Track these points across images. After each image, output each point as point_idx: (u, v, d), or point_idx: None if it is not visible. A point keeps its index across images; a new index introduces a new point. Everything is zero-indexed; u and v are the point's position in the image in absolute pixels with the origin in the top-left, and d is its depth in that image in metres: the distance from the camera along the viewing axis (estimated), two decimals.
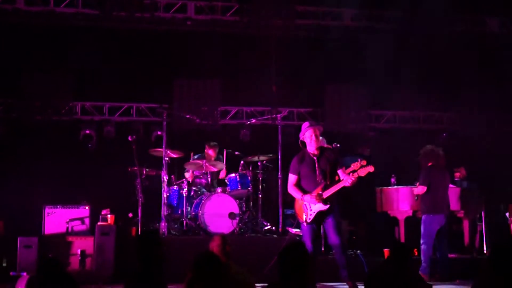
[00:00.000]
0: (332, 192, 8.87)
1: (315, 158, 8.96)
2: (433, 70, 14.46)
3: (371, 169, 8.95)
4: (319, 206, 8.83)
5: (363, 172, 8.84)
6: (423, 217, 10.74)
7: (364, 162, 9.72)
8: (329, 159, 9.00)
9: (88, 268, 10.62)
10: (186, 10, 14.07)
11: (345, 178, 8.80)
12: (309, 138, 8.97)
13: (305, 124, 9.13)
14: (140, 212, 11.31)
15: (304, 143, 9.09)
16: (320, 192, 8.81)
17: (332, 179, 8.95)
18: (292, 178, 9.07)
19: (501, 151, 14.40)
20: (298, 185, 9.01)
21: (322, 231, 9.67)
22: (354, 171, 8.77)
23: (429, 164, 10.84)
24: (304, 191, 8.91)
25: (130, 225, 11.66)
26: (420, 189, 10.83)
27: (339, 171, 8.99)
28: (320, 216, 8.88)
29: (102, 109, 14.17)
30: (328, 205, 8.83)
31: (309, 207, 8.84)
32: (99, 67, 13.36)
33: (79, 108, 14.04)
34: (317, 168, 8.92)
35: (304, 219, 8.87)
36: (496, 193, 13.50)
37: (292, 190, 9.05)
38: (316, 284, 8.89)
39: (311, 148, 8.98)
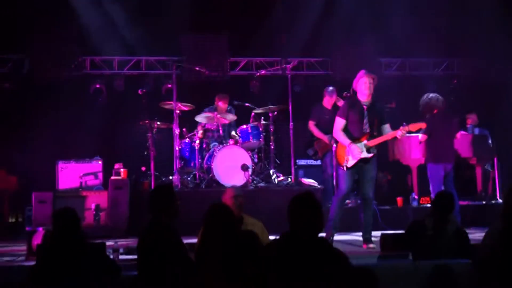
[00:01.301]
0: (378, 142, 8.94)
1: (365, 106, 8.97)
2: (442, 16, 14.28)
3: (422, 125, 9.06)
4: (363, 154, 8.86)
5: (414, 127, 8.91)
6: (428, 165, 10.76)
7: (393, 104, 9.72)
8: (378, 110, 9.02)
9: (102, 222, 10.70)
10: None
11: (398, 131, 8.84)
12: (363, 85, 8.93)
13: (361, 73, 9.06)
14: (153, 165, 11.37)
15: (355, 92, 9.11)
16: (366, 141, 8.86)
17: (378, 130, 8.97)
18: (340, 122, 9.01)
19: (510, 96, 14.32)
20: (345, 130, 8.99)
21: None
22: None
23: (434, 112, 10.80)
24: (350, 137, 8.90)
25: (144, 178, 11.76)
26: (422, 137, 10.84)
27: (386, 126, 9.03)
28: (360, 165, 8.93)
29: (111, 63, 14.11)
30: (372, 154, 8.89)
31: (353, 152, 8.84)
32: (106, 23, 13.31)
33: (89, 62, 13.98)
34: (365, 116, 8.94)
35: (345, 164, 8.90)
36: (508, 139, 13.44)
37: (339, 134, 8.99)
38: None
39: (363, 96, 8.95)
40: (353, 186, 9.20)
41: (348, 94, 10.66)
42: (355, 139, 8.86)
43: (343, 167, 8.91)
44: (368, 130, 8.92)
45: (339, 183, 9.07)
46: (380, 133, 8.98)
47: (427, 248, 6.56)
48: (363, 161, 8.89)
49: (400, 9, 13.85)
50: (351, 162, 8.88)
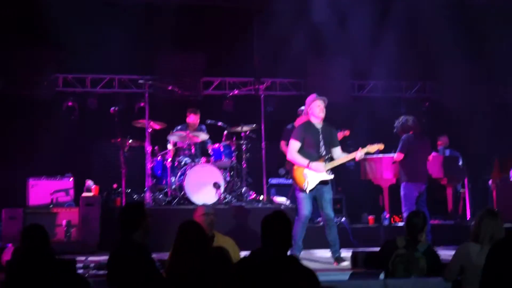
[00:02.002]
0: (336, 164, 9.04)
1: (319, 129, 9.04)
2: (415, 39, 14.42)
3: (381, 146, 9.19)
4: (323, 175, 8.91)
5: (372, 149, 9.01)
6: (402, 184, 10.82)
7: (347, 132, 9.93)
8: (331, 133, 9.12)
9: (73, 239, 10.63)
10: None
11: (357, 153, 8.94)
12: (317, 108, 9.03)
13: (312, 96, 9.22)
14: (124, 183, 11.34)
15: (306, 114, 9.26)
16: (324, 164, 8.89)
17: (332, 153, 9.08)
18: (295, 144, 9.05)
19: (483, 119, 14.46)
20: (301, 153, 9.02)
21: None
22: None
23: (410, 133, 10.91)
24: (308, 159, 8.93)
25: (115, 195, 11.70)
26: (397, 156, 10.91)
27: (337, 148, 9.12)
28: (319, 187, 8.95)
29: (84, 81, 14.08)
30: (332, 176, 8.95)
31: (312, 175, 8.87)
32: (81, 40, 13.26)
33: (61, 80, 13.94)
34: (321, 139, 9.01)
35: (305, 187, 8.92)
36: (479, 161, 13.58)
37: (295, 156, 9.02)
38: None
39: (317, 119, 9.06)
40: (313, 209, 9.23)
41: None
42: (313, 161, 8.93)
43: (303, 190, 8.94)
44: (324, 153, 9.01)
45: (299, 207, 9.05)
46: (332, 156, 9.08)
47: (399, 267, 6.63)
48: (321, 183, 8.94)
49: (374, 31, 13.99)
50: (311, 184, 8.92)
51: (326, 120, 9.42)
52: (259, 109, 12.12)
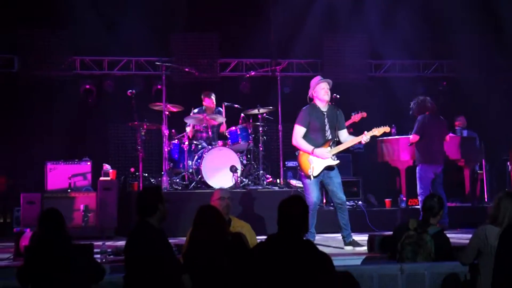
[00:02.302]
0: (342, 148, 8.95)
1: (325, 112, 8.97)
2: (432, 17, 14.33)
3: (387, 129, 9.08)
4: (329, 161, 8.83)
5: (379, 132, 8.95)
6: (418, 166, 10.83)
7: (364, 114, 9.87)
8: (337, 116, 9.02)
9: (91, 223, 10.70)
10: None
11: (362, 136, 8.87)
12: (321, 91, 8.90)
13: (316, 78, 9.08)
14: (142, 167, 11.37)
15: (311, 98, 9.08)
16: (329, 148, 8.86)
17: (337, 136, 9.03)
18: (300, 130, 8.91)
19: (501, 99, 14.39)
20: (306, 138, 8.91)
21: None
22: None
23: (426, 113, 10.88)
24: (314, 145, 8.83)
25: (132, 180, 11.76)
26: (413, 138, 10.90)
27: (343, 131, 9.07)
28: (325, 172, 8.93)
29: (101, 63, 14.13)
30: (338, 161, 8.89)
31: (317, 161, 8.83)
32: (98, 22, 13.30)
33: (78, 63, 13.99)
34: (327, 123, 8.92)
35: (310, 173, 8.83)
36: (497, 142, 13.52)
37: (300, 142, 8.88)
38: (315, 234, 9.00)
39: (322, 102, 8.93)
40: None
41: (337, 96, 10.63)
42: (318, 146, 8.83)
43: (308, 176, 8.88)
44: (330, 137, 8.91)
45: (306, 194, 8.86)
46: (338, 139, 9.01)
47: (407, 248, 6.67)
48: (328, 168, 8.88)
49: (390, 10, 13.93)
50: (317, 170, 8.81)
51: (339, 100, 9.36)
52: (276, 91, 12.10)
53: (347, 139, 9.02)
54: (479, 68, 14.71)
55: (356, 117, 9.79)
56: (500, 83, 14.79)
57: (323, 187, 9.46)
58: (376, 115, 11.70)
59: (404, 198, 11.96)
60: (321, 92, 8.90)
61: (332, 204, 9.52)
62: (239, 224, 7.50)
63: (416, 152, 10.98)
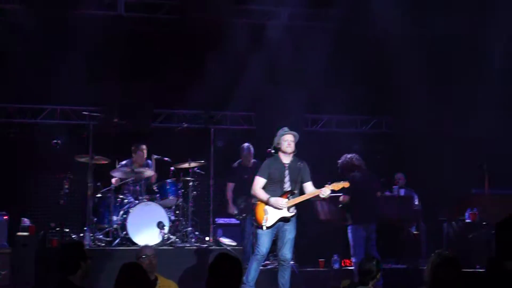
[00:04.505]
0: (300, 201, 9.20)
1: (286, 164, 9.23)
2: (371, 72, 14.70)
3: (346, 184, 9.34)
4: (284, 212, 9.07)
5: (337, 187, 9.20)
6: (349, 227, 10.97)
7: (346, 184, 10.10)
8: (300, 168, 9.27)
9: (5, 283, 10.51)
10: (117, 8, 14.07)
11: (322, 189, 9.10)
12: (284, 143, 9.26)
13: (281, 130, 9.43)
14: (63, 221, 11.31)
15: (276, 149, 9.38)
16: (287, 200, 9.06)
17: (299, 189, 9.26)
18: (260, 180, 9.29)
19: (441, 157, 14.73)
20: (265, 189, 9.23)
21: None
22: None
23: (353, 172, 11.08)
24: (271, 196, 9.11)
25: (53, 235, 11.60)
26: (342, 198, 11.08)
27: (308, 184, 9.28)
28: (280, 224, 9.11)
29: (25, 112, 14.09)
30: (292, 213, 9.10)
31: (272, 211, 9.04)
32: (22, 67, 13.30)
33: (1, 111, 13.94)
34: (287, 175, 9.21)
35: (264, 223, 9.06)
36: (434, 201, 13.83)
37: (258, 191, 9.24)
38: None
39: (285, 154, 9.26)
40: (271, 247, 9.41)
41: (272, 151, 10.82)
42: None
43: (262, 226, 9.10)
44: (289, 189, 9.19)
45: (258, 243, 9.20)
46: (302, 192, 9.27)
47: None
48: (282, 220, 9.11)
49: (330, 65, 14.25)
50: (271, 221, 9.07)
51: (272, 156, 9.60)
52: (209, 144, 12.21)
53: (310, 192, 9.26)
54: (420, 125, 15.09)
55: (337, 186, 9.74)
56: (440, 140, 15.18)
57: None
58: (312, 172, 11.91)
59: (338, 259, 12.11)
60: (284, 144, 9.26)
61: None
62: (166, 283, 7.59)
63: (347, 212, 11.13)
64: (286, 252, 9.16)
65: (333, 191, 9.48)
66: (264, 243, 9.11)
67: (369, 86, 14.69)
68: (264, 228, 9.06)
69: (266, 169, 9.31)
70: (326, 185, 9.22)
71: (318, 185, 9.35)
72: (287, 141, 9.26)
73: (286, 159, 9.29)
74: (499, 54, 14.08)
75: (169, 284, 7.59)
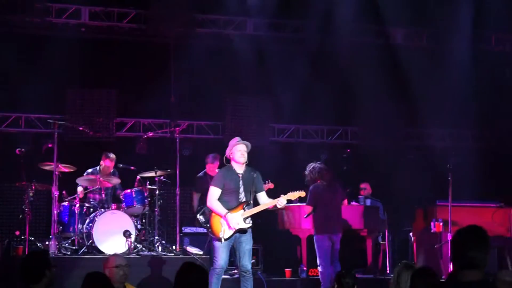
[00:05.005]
0: (256, 211, 9.18)
1: (240, 175, 9.22)
2: (337, 83, 14.76)
3: (302, 194, 9.37)
4: (241, 224, 9.06)
5: (293, 196, 9.20)
6: (315, 237, 10.98)
7: (271, 185, 10.13)
8: (253, 178, 9.27)
9: None
10: (80, 16, 14.05)
11: (278, 199, 9.11)
12: (237, 153, 9.21)
13: (234, 140, 9.39)
14: (28, 230, 11.20)
15: (228, 160, 9.34)
16: (243, 211, 9.07)
17: (254, 199, 9.24)
18: (215, 191, 9.20)
19: (406, 167, 14.86)
20: (220, 199, 9.17)
21: None
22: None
23: (317, 181, 11.12)
24: (227, 207, 9.08)
25: (17, 243, 11.53)
26: (306, 209, 11.10)
27: (261, 194, 9.30)
28: (237, 236, 9.11)
29: None
30: (249, 224, 9.11)
31: (229, 223, 9.02)
32: None
33: None
34: (241, 185, 9.18)
35: (221, 236, 9.04)
36: (400, 211, 13.92)
37: (214, 204, 9.16)
38: None
39: (238, 164, 9.23)
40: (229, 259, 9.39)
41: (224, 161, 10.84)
42: (231, 209, 9.08)
43: (219, 239, 9.09)
44: (244, 199, 9.19)
45: (215, 256, 9.15)
46: (256, 202, 9.28)
47: None
48: (239, 231, 9.11)
49: (297, 75, 14.33)
50: (227, 233, 9.07)
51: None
52: (174, 153, 12.16)
53: (265, 202, 9.27)
54: (385, 136, 15.21)
55: (292, 195, 9.73)
56: (407, 152, 15.33)
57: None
58: (277, 181, 11.94)
59: (305, 268, 12.16)
60: (237, 154, 9.22)
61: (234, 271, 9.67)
62: None
63: (312, 222, 11.15)
64: (246, 262, 9.17)
65: (289, 201, 9.47)
66: (221, 255, 9.10)
67: (335, 96, 14.73)
68: (223, 240, 9.05)
69: (222, 179, 9.27)
70: (282, 195, 9.21)
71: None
72: (240, 151, 9.24)
73: (239, 169, 9.27)
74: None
75: None
